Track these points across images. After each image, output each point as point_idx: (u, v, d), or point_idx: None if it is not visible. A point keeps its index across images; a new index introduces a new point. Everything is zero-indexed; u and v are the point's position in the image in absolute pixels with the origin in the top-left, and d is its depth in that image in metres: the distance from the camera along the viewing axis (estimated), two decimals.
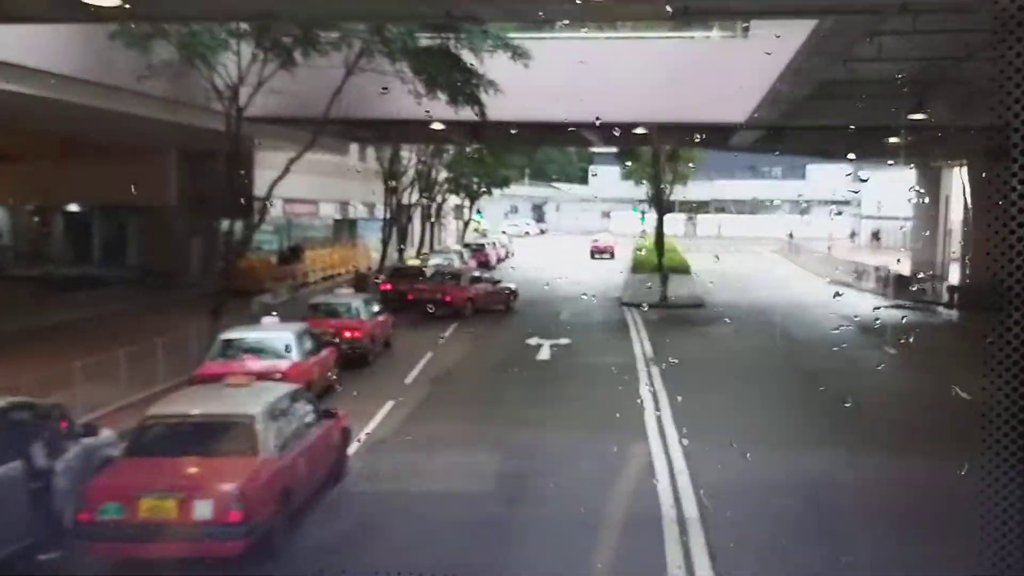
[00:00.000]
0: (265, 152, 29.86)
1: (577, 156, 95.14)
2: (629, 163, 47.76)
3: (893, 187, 61.24)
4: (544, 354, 20.34)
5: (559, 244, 67.38)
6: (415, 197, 41.30)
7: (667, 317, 27.59)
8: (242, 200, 32.10)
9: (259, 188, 33.98)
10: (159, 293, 28.17)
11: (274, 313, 15.37)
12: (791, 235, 60.26)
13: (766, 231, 68.99)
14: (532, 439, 12.98)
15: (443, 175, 45.49)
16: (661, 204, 36.07)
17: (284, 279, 31.42)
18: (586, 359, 20.16)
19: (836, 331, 24.43)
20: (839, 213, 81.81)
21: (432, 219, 48.28)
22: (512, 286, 29.13)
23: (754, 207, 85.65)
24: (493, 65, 20.78)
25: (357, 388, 16.64)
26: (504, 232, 72.87)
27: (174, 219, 32.31)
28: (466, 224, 60.07)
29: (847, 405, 15.30)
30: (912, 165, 39.55)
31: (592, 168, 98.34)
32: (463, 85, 18.84)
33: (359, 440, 12.84)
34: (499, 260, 49.26)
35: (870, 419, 14.17)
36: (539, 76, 22.89)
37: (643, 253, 43.90)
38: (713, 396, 15.26)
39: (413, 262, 31.91)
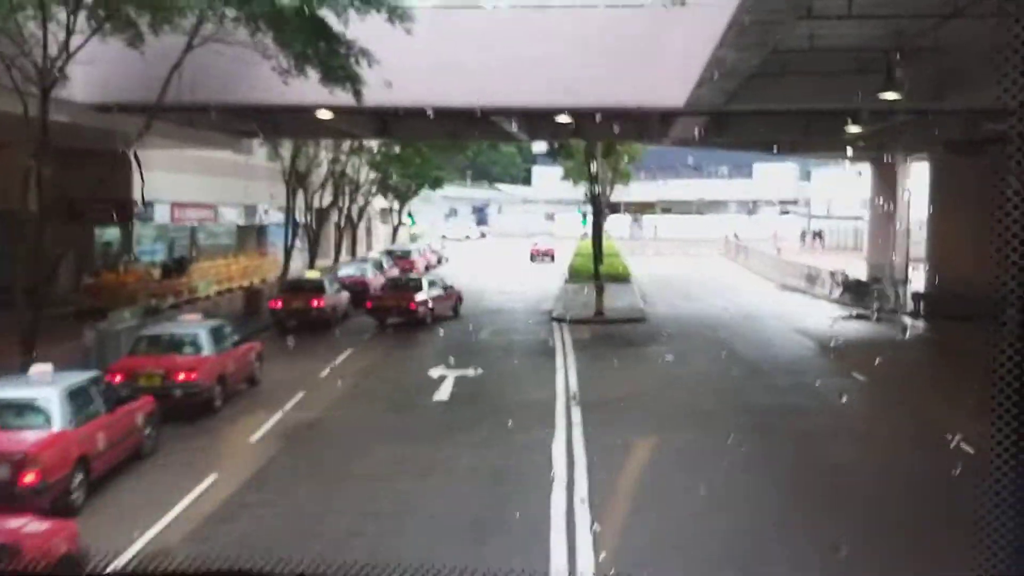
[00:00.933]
0: (153, 151, 25.67)
1: (520, 156, 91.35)
2: (562, 160, 44.14)
3: (845, 185, 58.82)
4: (444, 392, 16.44)
5: (499, 248, 63.72)
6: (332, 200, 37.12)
7: (602, 335, 23.98)
8: (118, 205, 27.90)
9: (146, 191, 29.81)
10: (15, 312, 23.78)
11: (41, 368, 11.07)
12: (736, 235, 57.20)
13: (713, 232, 66.04)
14: (381, 543, 9.12)
15: (365, 175, 41.37)
16: (598, 205, 32.43)
17: (165, 295, 27.13)
18: (495, 398, 16.33)
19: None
20: (786, 212, 79.32)
21: (354, 224, 44.10)
22: (458, 290, 28.09)
23: (701, 207, 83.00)
24: (395, 46, 16.90)
25: (178, 453, 12.56)
26: (444, 236, 68.98)
27: (38, 227, 27.86)
28: (396, 229, 56.01)
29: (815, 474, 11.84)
30: (868, 159, 36.73)
31: (535, 168, 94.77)
32: (331, 56, 14.84)
33: (135, 544, 8.91)
34: (428, 268, 45.31)
35: (845, 498, 10.63)
36: (445, 55, 19.15)
37: (580, 259, 40.41)
38: (647, 457, 11.60)
39: (312, 274, 27.71)
